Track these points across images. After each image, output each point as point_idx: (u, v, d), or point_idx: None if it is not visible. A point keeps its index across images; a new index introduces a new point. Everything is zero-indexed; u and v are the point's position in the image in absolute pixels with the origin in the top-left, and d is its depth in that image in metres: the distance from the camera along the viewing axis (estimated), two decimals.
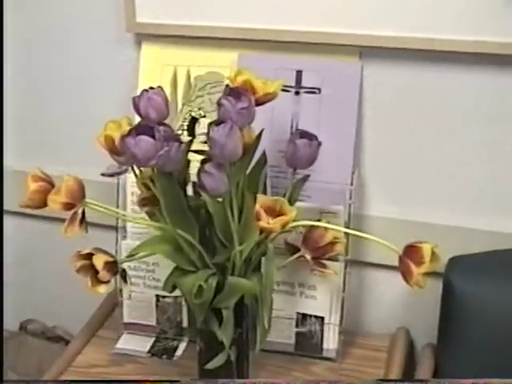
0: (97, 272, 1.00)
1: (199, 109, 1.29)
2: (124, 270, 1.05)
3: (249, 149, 1.04)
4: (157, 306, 1.33)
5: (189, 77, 1.30)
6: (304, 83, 1.25)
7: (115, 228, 1.32)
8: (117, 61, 1.36)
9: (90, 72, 1.39)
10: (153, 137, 0.96)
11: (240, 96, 1.00)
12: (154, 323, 1.34)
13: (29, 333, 1.61)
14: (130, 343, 1.34)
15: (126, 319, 1.35)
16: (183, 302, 1.31)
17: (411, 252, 1.04)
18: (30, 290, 1.64)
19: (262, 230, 0.99)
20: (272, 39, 1.25)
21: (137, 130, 0.96)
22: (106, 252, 1.02)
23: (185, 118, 1.30)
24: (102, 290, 1.01)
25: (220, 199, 1.05)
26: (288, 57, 1.26)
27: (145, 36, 1.31)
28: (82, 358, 1.31)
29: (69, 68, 1.40)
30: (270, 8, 1.23)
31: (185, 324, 1.34)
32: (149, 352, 1.33)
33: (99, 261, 0.99)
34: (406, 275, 1.05)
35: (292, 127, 1.26)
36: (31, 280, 1.64)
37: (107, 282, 1.01)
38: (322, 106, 1.25)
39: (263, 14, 1.24)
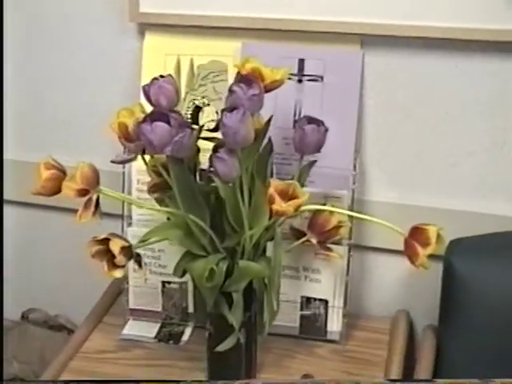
0: (113, 257, 1.01)
1: (203, 97, 1.31)
2: (138, 255, 1.06)
3: (258, 135, 1.07)
4: (162, 292, 1.35)
5: (192, 66, 1.32)
6: (306, 71, 1.28)
7: (119, 216, 1.34)
8: (120, 50, 1.37)
9: (93, 62, 1.40)
10: (168, 123, 0.98)
11: (251, 83, 1.03)
12: (159, 309, 1.36)
13: (30, 322, 1.62)
14: (136, 329, 1.36)
15: (132, 305, 1.37)
16: (189, 288, 1.33)
17: (417, 234, 1.08)
18: (32, 279, 1.65)
19: (275, 213, 1.01)
20: (274, 28, 1.27)
21: (152, 117, 0.99)
22: (121, 237, 1.04)
23: (188, 107, 1.32)
24: (118, 274, 1.03)
25: (231, 184, 1.07)
26: (290, 45, 1.28)
27: (148, 26, 1.33)
28: (89, 344, 1.33)
29: (71, 58, 1.41)
30: None
31: (190, 310, 1.36)
32: (155, 337, 1.35)
33: (116, 246, 1.01)
34: (412, 256, 1.08)
35: (295, 114, 1.28)
36: (32, 269, 1.65)
37: (123, 267, 1.03)
38: (324, 94, 1.27)
39: (265, 3, 1.26)
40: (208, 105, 1.31)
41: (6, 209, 1.54)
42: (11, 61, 1.45)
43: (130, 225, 1.33)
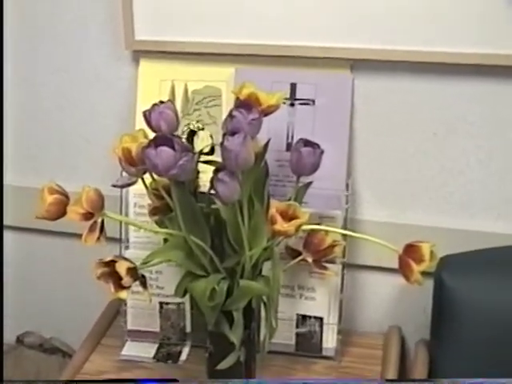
0: (119, 278, 1.04)
1: (197, 121, 1.34)
2: (143, 276, 1.09)
3: (257, 158, 1.10)
4: (160, 312, 1.37)
5: (186, 91, 1.35)
6: (298, 95, 1.32)
7: (115, 239, 1.36)
8: (115, 77, 1.40)
9: (88, 88, 1.43)
10: (172, 148, 1.01)
11: (251, 108, 1.06)
12: (157, 330, 1.39)
13: (26, 345, 1.64)
14: (134, 350, 1.38)
15: (130, 326, 1.39)
16: (186, 308, 1.36)
17: (411, 251, 1.11)
18: (28, 303, 1.66)
19: (278, 233, 1.04)
20: (267, 54, 1.31)
21: (156, 142, 1.01)
22: (126, 259, 1.07)
23: (183, 131, 1.35)
24: (124, 295, 1.06)
25: (231, 206, 1.10)
26: (283, 70, 1.32)
27: (143, 53, 1.36)
28: (89, 366, 1.35)
29: (67, 84, 1.44)
30: (265, 24, 1.29)
31: (188, 329, 1.38)
32: (154, 357, 1.37)
33: (122, 267, 1.04)
34: (407, 273, 1.11)
35: (288, 137, 1.32)
36: (29, 292, 1.66)
37: (129, 288, 1.05)
38: (316, 117, 1.31)
39: (258, 30, 1.30)
40: (202, 129, 1.34)
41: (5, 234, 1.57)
42: (8, 85, 1.47)
43: (127, 247, 1.35)
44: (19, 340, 1.65)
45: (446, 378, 1.27)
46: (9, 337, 1.65)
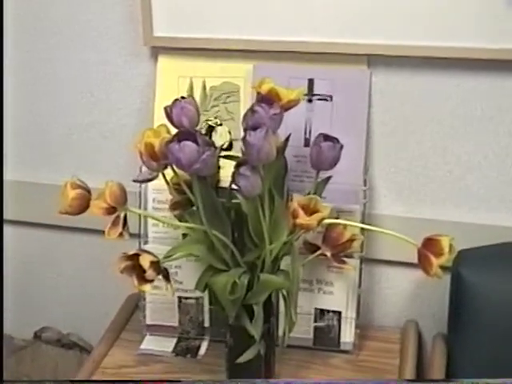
0: (142, 272, 1.05)
1: (215, 117, 1.35)
2: (166, 269, 1.10)
3: (278, 152, 1.11)
4: (179, 307, 1.38)
5: (204, 87, 1.36)
6: (316, 91, 1.32)
7: (133, 234, 1.37)
8: (133, 73, 1.41)
9: (106, 84, 1.44)
10: (195, 142, 1.02)
11: (272, 103, 1.07)
12: (176, 324, 1.40)
13: (43, 340, 1.65)
14: (153, 344, 1.39)
15: (149, 321, 1.40)
16: (205, 303, 1.37)
17: (430, 244, 1.12)
18: (44, 298, 1.68)
19: (300, 227, 1.05)
20: (285, 50, 1.32)
21: (179, 137, 1.03)
22: (149, 252, 1.08)
23: (201, 127, 1.36)
24: (147, 288, 1.07)
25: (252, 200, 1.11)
26: (300, 66, 1.33)
27: (161, 49, 1.37)
28: (109, 360, 1.36)
29: (85, 80, 1.45)
30: (283, 21, 1.30)
31: (206, 324, 1.39)
32: (173, 352, 1.38)
33: (146, 261, 1.05)
34: (426, 266, 1.12)
35: (306, 133, 1.33)
36: (45, 288, 1.67)
37: (152, 281, 1.06)
38: (333, 112, 1.32)
39: (276, 27, 1.31)
40: (220, 125, 1.35)
41: (20, 228, 1.58)
42: (23, 80, 1.48)
43: (146, 242, 1.36)
44: (37, 335, 1.66)
45: (465, 375, 1.28)
46: (26, 332, 1.67)
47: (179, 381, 1.26)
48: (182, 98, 1.12)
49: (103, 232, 1.11)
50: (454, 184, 1.35)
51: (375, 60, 1.31)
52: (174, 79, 1.36)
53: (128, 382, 1.26)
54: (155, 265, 1.06)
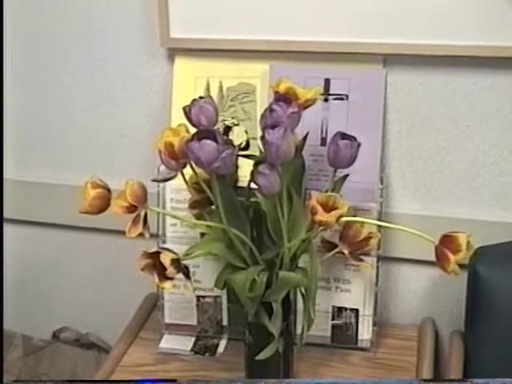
0: (163, 269, 1.06)
1: (232, 118, 1.36)
2: (186, 267, 1.11)
3: (296, 151, 1.12)
4: (197, 306, 1.39)
5: (221, 88, 1.37)
6: (332, 90, 1.33)
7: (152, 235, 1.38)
8: (150, 74, 1.42)
9: (123, 86, 1.45)
10: (215, 141, 1.03)
11: (290, 101, 1.08)
12: (194, 323, 1.41)
13: (62, 340, 1.66)
14: (172, 343, 1.41)
15: (168, 320, 1.41)
16: (223, 302, 1.38)
17: (447, 241, 1.12)
18: (62, 298, 1.69)
19: (319, 224, 1.06)
20: (301, 50, 1.33)
21: (199, 135, 1.04)
22: (170, 250, 1.09)
23: (218, 127, 1.37)
24: (168, 285, 1.08)
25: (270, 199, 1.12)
26: (316, 66, 1.34)
27: (178, 50, 1.38)
28: (128, 358, 1.37)
29: (103, 83, 1.46)
30: (299, 20, 1.31)
31: (225, 322, 1.40)
32: (192, 350, 1.39)
33: (166, 258, 1.06)
34: (444, 263, 1.12)
35: (322, 132, 1.34)
36: (63, 288, 1.68)
37: (172, 279, 1.08)
38: (349, 111, 1.33)
39: (292, 27, 1.32)
40: (237, 125, 1.36)
41: (39, 228, 1.60)
42: (42, 80, 1.50)
43: (164, 242, 1.37)
44: (55, 335, 1.67)
45: (483, 371, 1.29)
46: (45, 332, 1.68)
47: (175, 380, 1.27)
48: (201, 97, 1.13)
49: (121, 232, 1.12)
50: (470, 182, 1.36)
51: (391, 59, 1.31)
52: (190, 80, 1.38)
53: (128, 382, 1.27)
54: (176, 262, 1.07)
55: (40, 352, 1.66)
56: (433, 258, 1.13)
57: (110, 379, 1.32)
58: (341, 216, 1.05)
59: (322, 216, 1.04)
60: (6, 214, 1.42)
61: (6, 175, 1.46)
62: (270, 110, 1.08)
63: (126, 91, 1.45)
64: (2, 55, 1.44)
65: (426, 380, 1.27)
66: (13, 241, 1.57)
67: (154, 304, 1.48)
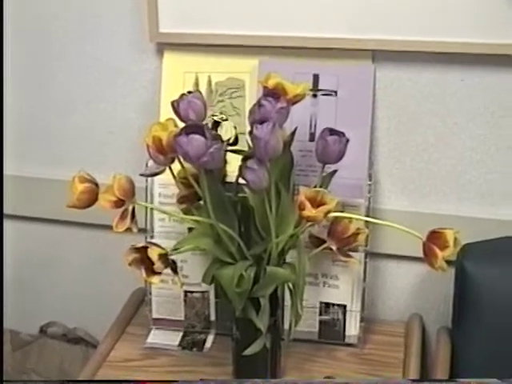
0: (151, 264, 1.06)
1: (221, 113, 1.36)
2: (174, 262, 1.11)
3: (284, 146, 1.12)
4: (185, 301, 1.39)
5: (210, 83, 1.37)
6: (321, 86, 1.33)
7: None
8: (139, 69, 1.42)
9: (112, 81, 1.45)
10: (203, 136, 1.03)
11: (279, 97, 1.08)
12: (182, 318, 1.41)
13: (49, 335, 1.66)
14: (159, 338, 1.41)
15: (155, 315, 1.41)
16: (211, 297, 1.38)
17: (435, 237, 1.13)
18: (49, 293, 1.69)
19: (306, 219, 1.06)
20: (290, 45, 1.33)
21: (187, 130, 1.04)
22: (157, 245, 1.09)
23: (207, 122, 1.36)
24: (156, 280, 1.08)
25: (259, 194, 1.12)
26: (305, 62, 1.34)
27: (167, 45, 1.38)
28: (115, 354, 1.37)
29: (90, 75, 1.46)
30: (288, 16, 1.31)
31: (212, 318, 1.40)
32: (179, 345, 1.39)
33: (154, 253, 1.06)
34: (432, 259, 1.13)
35: (311, 128, 1.34)
36: (50, 283, 1.68)
37: (160, 273, 1.08)
38: (338, 107, 1.33)
39: (281, 22, 1.32)
40: (226, 120, 1.36)
41: (26, 223, 1.60)
42: (28, 76, 1.49)
43: (152, 237, 1.37)
44: (42, 330, 1.67)
45: (470, 368, 1.29)
46: (32, 327, 1.68)
47: (176, 381, 1.27)
48: (189, 92, 1.13)
49: (109, 227, 1.12)
50: (457, 179, 1.37)
51: (380, 55, 1.32)
52: (179, 75, 1.37)
53: (129, 382, 1.27)
54: (163, 257, 1.07)
55: (27, 347, 1.66)
56: (420, 254, 1.14)
57: (98, 376, 1.31)
58: (329, 211, 1.06)
59: (309, 211, 1.05)
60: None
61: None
62: (258, 105, 1.08)
63: (116, 87, 1.45)
64: (1, 55, 1.44)
65: (414, 380, 1.27)
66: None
67: (141, 299, 1.48)
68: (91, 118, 1.49)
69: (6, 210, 1.45)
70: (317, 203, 1.06)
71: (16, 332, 1.68)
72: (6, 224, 1.48)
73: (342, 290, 1.35)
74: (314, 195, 1.06)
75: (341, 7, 1.29)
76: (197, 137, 1.03)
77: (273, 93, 1.09)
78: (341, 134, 1.16)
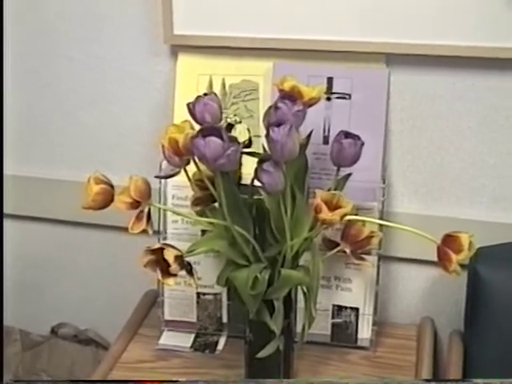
0: (167, 265, 1.06)
1: (234, 115, 1.36)
2: (189, 264, 1.11)
3: (300, 149, 1.12)
4: (197, 303, 1.40)
5: (224, 85, 1.37)
6: (335, 89, 1.33)
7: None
8: (153, 71, 1.42)
9: (125, 82, 1.45)
10: (220, 138, 1.03)
11: (295, 99, 1.08)
12: (194, 320, 1.41)
13: (60, 336, 1.66)
14: (172, 339, 1.41)
15: (167, 317, 1.41)
16: (223, 299, 1.38)
17: (450, 241, 1.12)
18: (61, 294, 1.69)
19: (322, 222, 1.06)
20: (304, 48, 1.33)
21: (204, 132, 1.04)
22: (173, 247, 1.09)
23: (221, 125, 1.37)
24: (171, 282, 1.08)
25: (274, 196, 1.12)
26: (319, 65, 1.34)
27: (181, 47, 1.38)
28: (128, 355, 1.37)
29: (106, 79, 1.46)
30: (302, 19, 1.31)
31: (225, 320, 1.40)
32: (191, 347, 1.39)
33: (170, 255, 1.06)
34: (446, 263, 1.12)
35: (324, 131, 1.34)
36: (61, 284, 1.68)
37: (175, 275, 1.08)
38: (352, 111, 1.33)
39: (295, 25, 1.32)
40: (240, 122, 1.36)
41: (38, 224, 1.60)
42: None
43: (165, 239, 1.37)
44: (53, 331, 1.67)
45: (482, 371, 1.29)
46: (43, 328, 1.68)
47: (177, 381, 1.27)
48: (205, 94, 1.13)
49: (121, 228, 1.13)
50: (469, 183, 1.37)
51: (393, 59, 1.32)
52: (193, 77, 1.38)
53: (128, 382, 1.27)
54: (179, 259, 1.07)
55: (38, 347, 1.66)
56: (433, 257, 1.14)
57: (110, 377, 1.31)
58: (345, 215, 1.06)
59: (326, 214, 1.05)
60: (5, 210, 1.42)
61: (6, 171, 1.46)
62: (274, 107, 1.08)
63: (128, 88, 1.45)
64: (1, 55, 1.44)
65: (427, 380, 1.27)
66: (11, 236, 1.56)
67: (153, 300, 1.49)
68: (102, 120, 1.49)
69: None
70: (333, 206, 1.06)
71: (27, 332, 1.68)
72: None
73: (354, 293, 1.35)
74: (330, 198, 1.06)
75: (355, 10, 1.29)
76: (214, 139, 1.03)
77: (289, 95, 1.09)
78: (356, 137, 1.16)
